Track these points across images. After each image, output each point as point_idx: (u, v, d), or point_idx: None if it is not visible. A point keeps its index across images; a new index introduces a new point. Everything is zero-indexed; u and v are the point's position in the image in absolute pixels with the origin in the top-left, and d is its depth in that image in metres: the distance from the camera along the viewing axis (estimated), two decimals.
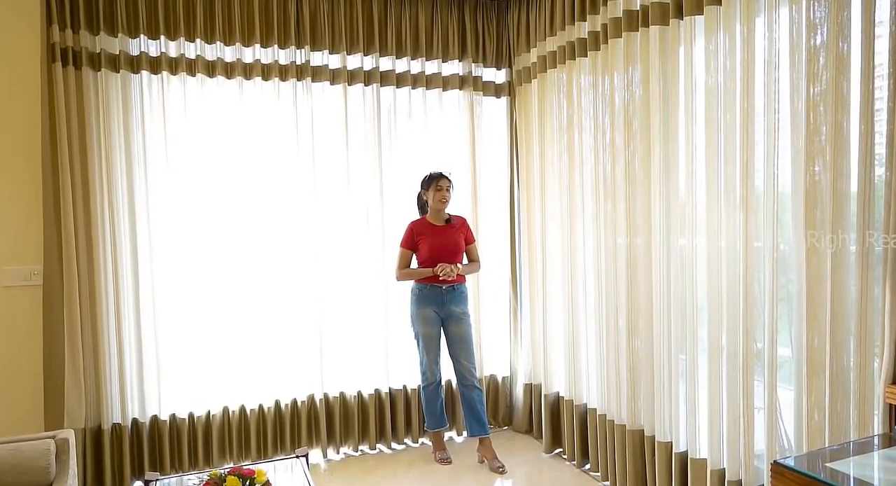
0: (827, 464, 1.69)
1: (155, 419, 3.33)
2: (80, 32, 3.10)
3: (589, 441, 3.36)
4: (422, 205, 3.62)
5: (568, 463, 3.51)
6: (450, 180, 3.51)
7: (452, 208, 3.60)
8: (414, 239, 3.51)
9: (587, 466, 3.41)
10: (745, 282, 2.38)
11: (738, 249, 2.41)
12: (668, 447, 2.80)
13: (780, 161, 2.24)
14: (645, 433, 2.94)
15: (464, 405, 3.56)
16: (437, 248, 3.47)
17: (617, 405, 3.10)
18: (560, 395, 3.61)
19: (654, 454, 2.87)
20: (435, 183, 3.47)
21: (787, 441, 2.37)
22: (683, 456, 2.73)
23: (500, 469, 3.40)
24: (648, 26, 2.75)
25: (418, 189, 3.59)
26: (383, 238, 3.69)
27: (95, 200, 3.15)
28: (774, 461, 1.63)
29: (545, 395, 3.68)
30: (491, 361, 4.04)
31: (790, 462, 1.65)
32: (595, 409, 3.29)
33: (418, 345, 3.58)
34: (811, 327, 2.13)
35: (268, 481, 2.15)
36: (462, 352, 3.53)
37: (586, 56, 3.20)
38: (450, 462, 3.53)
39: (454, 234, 3.55)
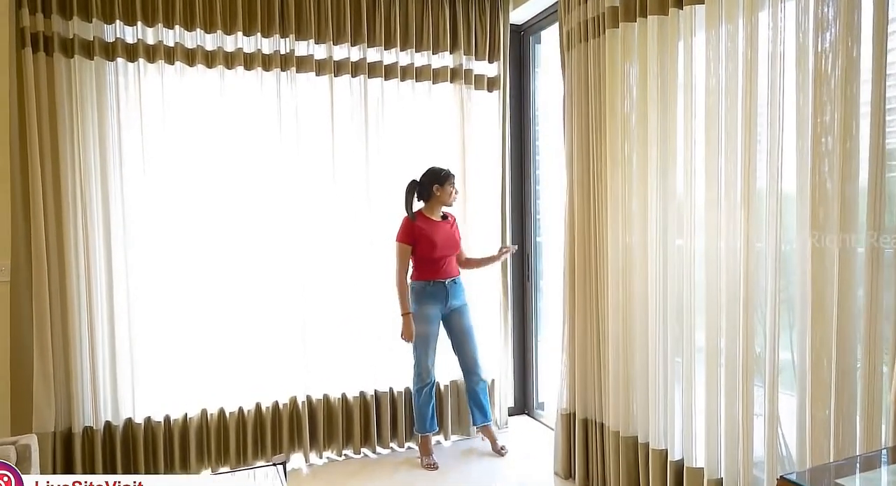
0: (835, 480, 1.60)
1: (129, 421, 3.19)
2: (52, 16, 2.95)
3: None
4: (419, 196, 3.45)
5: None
6: None
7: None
8: (414, 234, 3.39)
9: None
10: (746, 283, 2.27)
11: (738, 248, 2.30)
12: (663, 454, 2.70)
13: (783, 158, 2.13)
14: (639, 440, 2.83)
15: (469, 397, 3.61)
16: (440, 243, 3.41)
17: (610, 410, 2.98)
18: (569, 411, 3.29)
19: (648, 462, 2.76)
20: (451, 179, 3.45)
21: (787, 450, 2.27)
22: (679, 465, 2.63)
23: (502, 450, 3.56)
24: (646, 16, 2.64)
25: (409, 185, 3.44)
26: (370, 234, 3.57)
27: (67, 193, 3.01)
28: (781, 477, 1.53)
29: (563, 414, 3.31)
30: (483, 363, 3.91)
31: (794, 478, 1.56)
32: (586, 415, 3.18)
33: (415, 345, 3.46)
34: (815, 331, 2.03)
35: None
36: (467, 343, 3.54)
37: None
38: (436, 468, 3.42)
39: (451, 228, 3.54)
